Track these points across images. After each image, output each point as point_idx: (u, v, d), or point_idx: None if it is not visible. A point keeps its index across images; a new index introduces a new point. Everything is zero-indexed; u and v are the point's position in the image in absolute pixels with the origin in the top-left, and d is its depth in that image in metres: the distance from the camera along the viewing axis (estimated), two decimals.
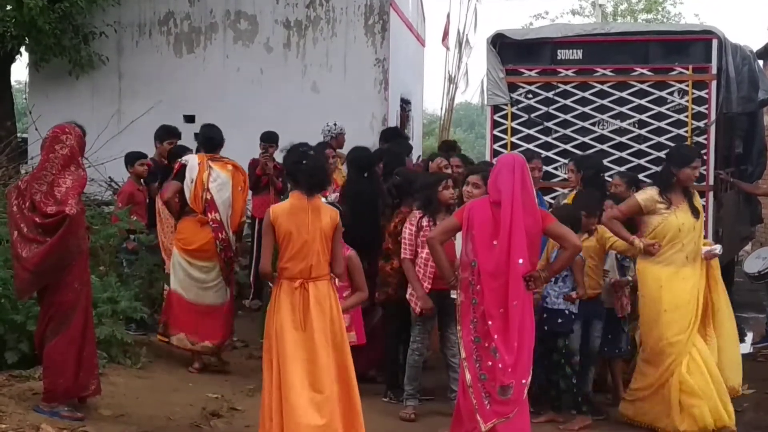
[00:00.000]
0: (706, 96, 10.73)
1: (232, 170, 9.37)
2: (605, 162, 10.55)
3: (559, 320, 8.04)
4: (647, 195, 7.82)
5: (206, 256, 9.15)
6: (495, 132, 11.33)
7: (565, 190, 10.15)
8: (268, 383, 6.23)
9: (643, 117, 10.90)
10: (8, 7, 14.28)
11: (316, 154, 6.50)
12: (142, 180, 10.82)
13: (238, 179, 9.39)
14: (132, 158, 10.78)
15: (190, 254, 9.17)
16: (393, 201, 8.75)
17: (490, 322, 6.51)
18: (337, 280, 6.89)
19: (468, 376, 6.58)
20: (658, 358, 7.75)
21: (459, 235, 7.05)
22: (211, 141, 9.52)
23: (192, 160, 9.32)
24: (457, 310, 6.84)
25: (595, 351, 8.20)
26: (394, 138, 11.54)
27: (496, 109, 11.35)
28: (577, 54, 11.19)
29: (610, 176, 9.54)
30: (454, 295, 7.46)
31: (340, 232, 6.40)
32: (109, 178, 13.36)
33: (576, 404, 8.09)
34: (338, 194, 9.08)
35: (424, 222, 8.03)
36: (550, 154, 11.09)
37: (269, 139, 11.80)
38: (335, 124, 11.91)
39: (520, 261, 6.52)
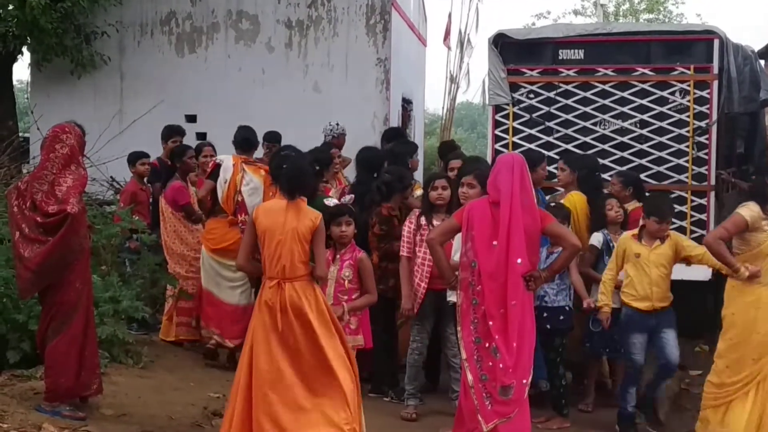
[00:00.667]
0: (708, 96, 10.73)
1: (265, 175, 9.48)
2: (607, 162, 10.57)
3: (561, 317, 8.07)
4: (753, 211, 7.22)
5: (234, 255, 9.26)
6: (496, 132, 11.33)
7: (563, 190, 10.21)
8: (238, 378, 6.28)
9: (645, 117, 10.90)
10: (10, 7, 14.29)
11: (297, 158, 6.50)
12: (145, 179, 10.84)
13: (270, 184, 9.50)
14: (134, 158, 10.81)
15: (218, 253, 9.41)
16: (380, 198, 8.76)
17: (491, 323, 6.50)
18: (347, 281, 6.91)
19: (469, 377, 6.58)
20: (729, 379, 7.30)
21: (457, 237, 7.07)
22: (247, 141, 9.79)
23: (227, 161, 9.55)
24: (457, 311, 6.84)
25: (675, 362, 7.98)
26: (396, 138, 11.55)
27: (497, 108, 11.36)
28: (579, 54, 11.19)
29: (610, 176, 9.55)
30: (451, 297, 7.52)
31: (322, 234, 6.36)
32: (111, 177, 13.37)
33: (559, 405, 8.13)
34: (352, 196, 9.15)
35: (423, 221, 8.06)
36: (551, 153, 11.08)
37: (272, 139, 11.79)
38: (337, 125, 11.91)
39: (519, 261, 6.51)
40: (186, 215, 9.95)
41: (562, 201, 9.06)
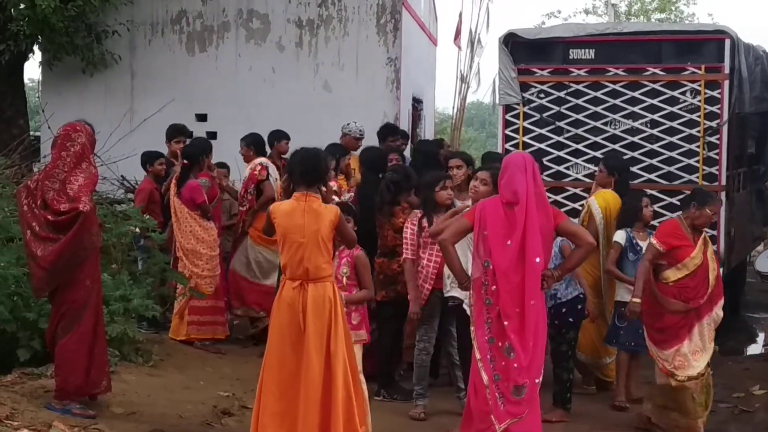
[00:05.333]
0: (719, 96, 10.71)
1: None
2: None
3: (579, 306, 8.24)
4: None
5: None
6: (507, 131, 11.33)
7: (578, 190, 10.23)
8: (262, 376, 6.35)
9: (656, 117, 10.89)
10: (21, 6, 14.32)
11: (310, 148, 6.53)
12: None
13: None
14: (152, 157, 10.87)
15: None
16: (391, 197, 8.75)
17: (506, 322, 6.47)
18: (345, 278, 6.93)
19: (485, 377, 6.54)
20: None
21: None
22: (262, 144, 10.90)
23: (270, 165, 10.43)
24: (470, 311, 6.82)
25: None
26: (389, 135, 11.49)
27: (507, 108, 11.36)
28: (590, 53, 11.18)
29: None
30: (452, 292, 7.58)
31: (344, 223, 6.42)
32: (121, 176, 13.39)
33: (563, 398, 8.21)
34: (351, 194, 9.10)
35: (425, 222, 8.05)
36: (561, 153, 11.09)
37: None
38: (350, 123, 11.77)
39: (537, 260, 6.49)
40: (202, 213, 9.96)
41: (594, 199, 9.07)
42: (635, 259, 8.48)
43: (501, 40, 11.41)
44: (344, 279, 7.04)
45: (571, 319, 8.20)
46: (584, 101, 11.09)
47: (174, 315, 9.99)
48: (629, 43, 11.22)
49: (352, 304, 7.04)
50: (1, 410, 6.37)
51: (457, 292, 7.79)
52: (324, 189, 6.68)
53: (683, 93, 10.82)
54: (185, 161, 10.15)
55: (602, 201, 9.04)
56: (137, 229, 9.89)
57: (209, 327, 10.01)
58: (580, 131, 11.10)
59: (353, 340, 6.82)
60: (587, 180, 10.66)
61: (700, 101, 10.76)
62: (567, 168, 11.06)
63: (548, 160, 10.93)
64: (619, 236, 8.64)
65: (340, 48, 14.76)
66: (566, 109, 11.12)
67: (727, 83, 10.71)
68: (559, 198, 10.33)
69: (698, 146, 10.77)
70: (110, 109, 14.81)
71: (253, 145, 11.05)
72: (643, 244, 8.48)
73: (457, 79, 18.77)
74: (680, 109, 10.82)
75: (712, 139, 10.72)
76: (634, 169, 10.74)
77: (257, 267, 10.61)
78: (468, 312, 7.56)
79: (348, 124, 11.57)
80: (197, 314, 9.92)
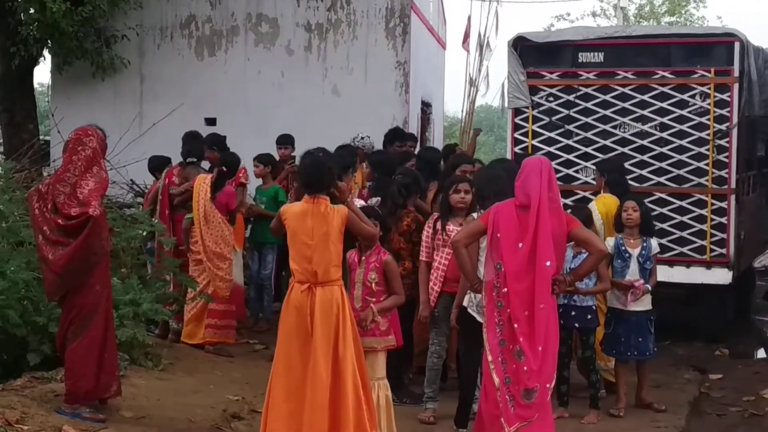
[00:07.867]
0: (728, 99, 10.70)
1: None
2: (626, 165, 10.53)
3: (589, 316, 8.23)
4: None
5: None
6: (516, 135, 11.33)
7: (587, 193, 10.19)
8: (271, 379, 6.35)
9: (665, 120, 10.88)
10: (31, 11, 14.37)
11: (317, 154, 6.50)
12: None
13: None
14: (160, 163, 10.91)
15: None
16: (402, 201, 8.75)
17: (516, 325, 6.46)
18: (374, 284, 6.87)
19: (496, 380, 6.52)
20: None
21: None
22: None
23: None
24: (482, 313, 6.81)
25: None
26: (396, 139, 11.46)
27: (517, 111, 11.37)
28: (599, 57, 11.18)
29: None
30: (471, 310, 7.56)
31: (355, 221, 6.38)
32: (131, 180, 13.42)
33: (595, 400, 8.28)
34: (378, 199, 9.12)
35: (440, 225, 8.05)
36: (570, 156, 11.08)
37: (285, 142, 11.83)
38: (372, 143, 11.64)
39: (548, 263, 6.48)
40: (230, 219, 9.97)
41: (594, 204, 9.03)
42: (622, 266, 8.37)
43: (510, 44, 11.42)
44: (373, 285, 6.93)
45: (576, 325, 8.23)
46: (593, 104, 11.09)
47: (189, 319, 9.96)
48: (638, 46, 11.22)
49: (385, 313, 6.98)
50: (11, 414, 6.39)
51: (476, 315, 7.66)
52: (337, 187, 6.61)
53: (692, 96, 10.82)
54: (223, 168, 10.12)
55: (602, 206, 8.95)
56: (146, 233, 9.91)
57: (224, 331, 10.00)
58: (589, 134, 11.09)
59: (382, 346, 6.82)
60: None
61: (709, 104, 10.75)
62: (576, 171, 11.05)
63: (557, 164, 10.93)
64: (608, 243, 8.40)
65: (349, 52, 14.78)
66: (575, 112, 11.12)
67: (736, 86, 10.71)
68: (568, 201, 10.30)
69: (708, 149, 10.76)
70: (119, 113, 14.86)
71: (215, 144, 10.96)
72: (633, 251, 8.35)
73: (466, 82, 18.79)
74: (689, 112, 10.82)
75: (722, 142, 10.71)
76: (643, 172, 10.75)
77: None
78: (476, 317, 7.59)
79: (362, 138, 11.42)
80: (215, 318, 9.90)
